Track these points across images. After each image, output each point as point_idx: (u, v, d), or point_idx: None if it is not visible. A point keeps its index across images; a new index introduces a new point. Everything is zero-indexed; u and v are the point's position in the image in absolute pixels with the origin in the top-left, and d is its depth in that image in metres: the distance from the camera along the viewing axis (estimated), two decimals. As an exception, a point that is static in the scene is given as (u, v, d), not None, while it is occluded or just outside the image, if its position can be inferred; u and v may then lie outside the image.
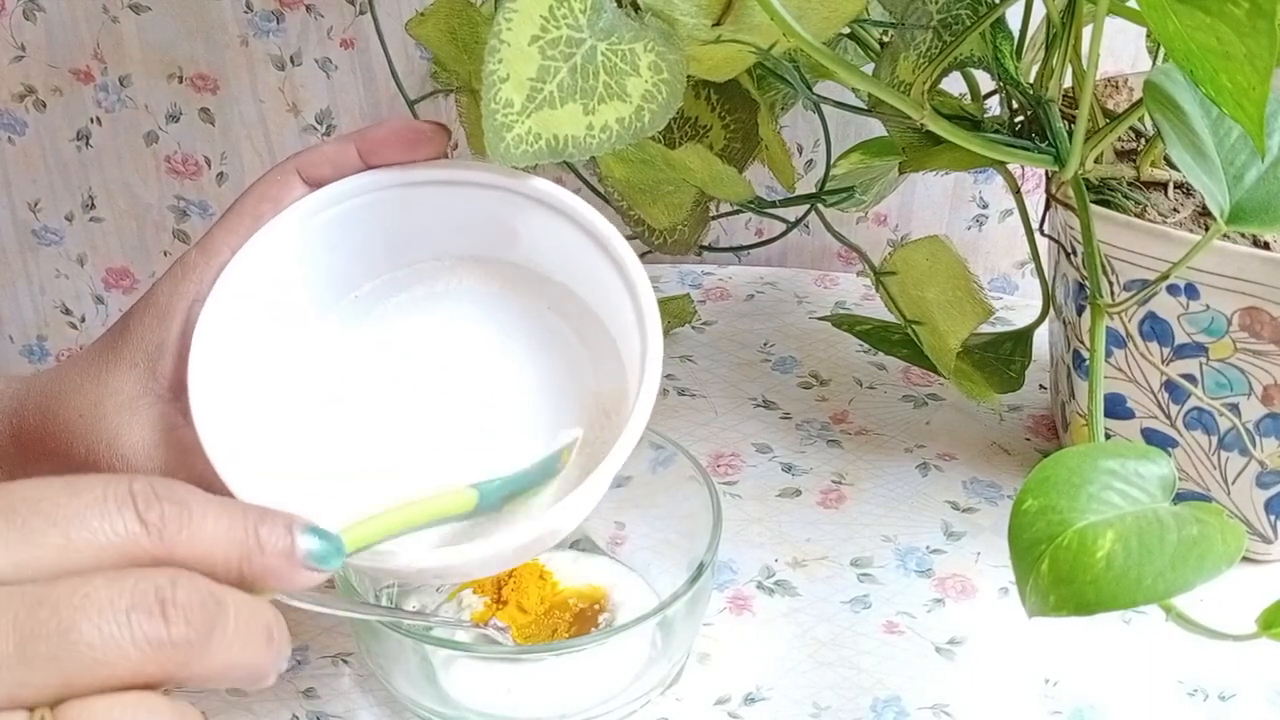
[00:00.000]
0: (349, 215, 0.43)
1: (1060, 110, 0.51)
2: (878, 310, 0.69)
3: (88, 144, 0.79)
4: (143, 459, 0.41)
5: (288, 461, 0.43)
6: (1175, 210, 0.54)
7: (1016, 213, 0.69)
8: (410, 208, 0.43)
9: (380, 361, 0.45)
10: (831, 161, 0.65)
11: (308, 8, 0.75)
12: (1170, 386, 0.53)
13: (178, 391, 0.41)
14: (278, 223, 0.42)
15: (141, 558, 0.27)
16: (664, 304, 0.74)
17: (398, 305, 0.46)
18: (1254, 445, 0.52)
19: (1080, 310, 0.56)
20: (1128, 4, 0.48)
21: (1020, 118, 0.56)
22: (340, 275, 0.45)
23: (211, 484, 0.39)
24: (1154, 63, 0.55)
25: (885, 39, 0.57)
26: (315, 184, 0.42)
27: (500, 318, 0.46)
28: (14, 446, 0.43)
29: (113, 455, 0.41)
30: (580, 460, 0.44)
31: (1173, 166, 0.54)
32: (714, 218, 0.70)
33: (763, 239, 0.83)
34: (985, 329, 0.63)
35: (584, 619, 0.50)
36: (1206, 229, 0.50)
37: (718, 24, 0.47)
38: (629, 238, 0.65)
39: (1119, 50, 0.72)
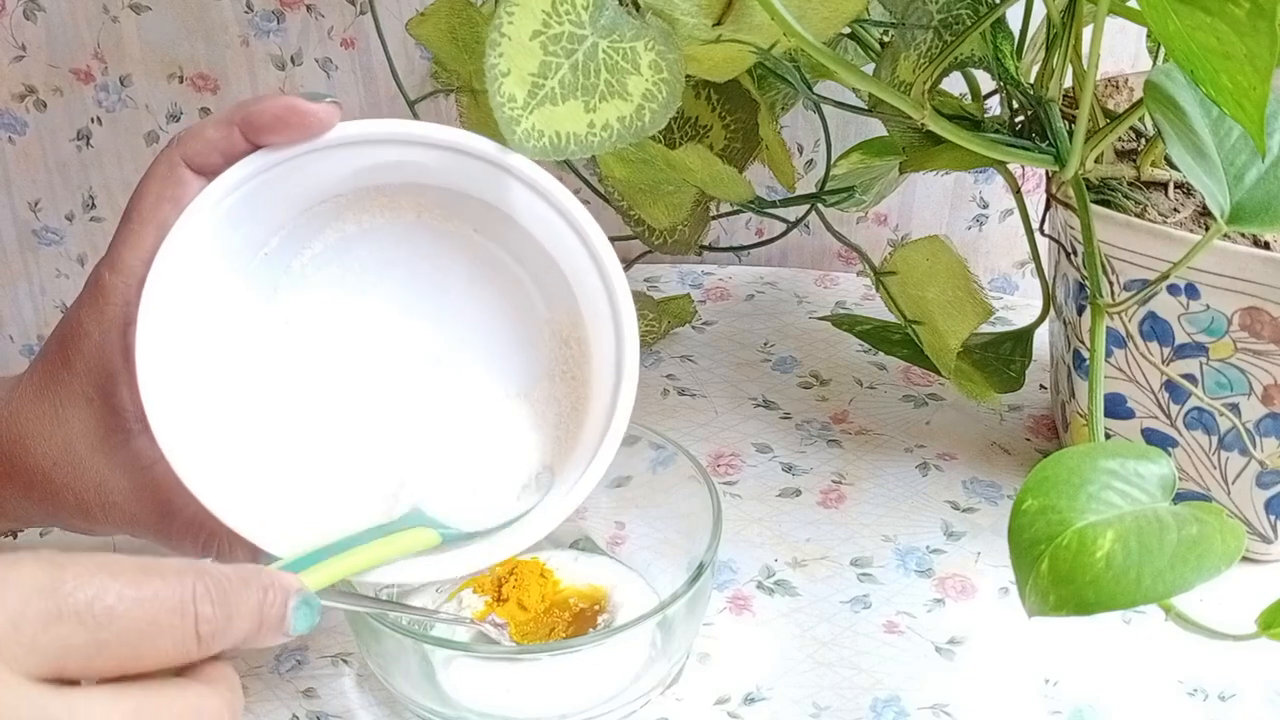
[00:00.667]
0: (253, 193, 0.41)
1: (1061, 110, 0.51)
2: (878, 310, 0.69)
3: (88, 144, 0.79)
4: (131, 504, 0.42)
5: (261, 454, 0.43)
6: (1175, 210, 0.54)
7: (1017, 212, 0.69)
8: (314, 165, 0.41)
9: (318, 326, 0.44)
10: (832, 161, 0.65)
11: (308, 8, 0.75)
12: (1170, 386, 0.53)
13: (144, 422, 0.40)
14: (184, 224, 0.39)
15: (186, 660, 0.31)
16: (664, 304, 0.74)
17: (313, 259, 0.43)
18: (1254, 445, 0.51)
19: (1080, 310, 0.56)
20: (1128, 4, 0.48)
21: (1020, 118, 0.56)
22: (251, 243, 0.43)
23: (196, 515, 0.40)
24: (1154, 63, 0.55)
25: (886, 39, 0.57)
26: (207, 173, 0.40)
27: (424, 249, 0.43)
28: None
29: (104, 502, 0.42)
30: (562, 391, 0.44)
31: (1173, 166, 0.54)
32: (714, 218, 0.70)
33: (763, 239, 0.83)
34: (985, 329, 0.63)
35: (583, 619, 0.50)
36: (1207, 229, 0.50)
37: (718, 24, 0.47)
38: (629, 238, 0.66)
39: (1119, 50, 0.72)
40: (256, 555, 0.40)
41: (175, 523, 0.42)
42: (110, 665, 0.30)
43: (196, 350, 0.41)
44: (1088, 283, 0.48)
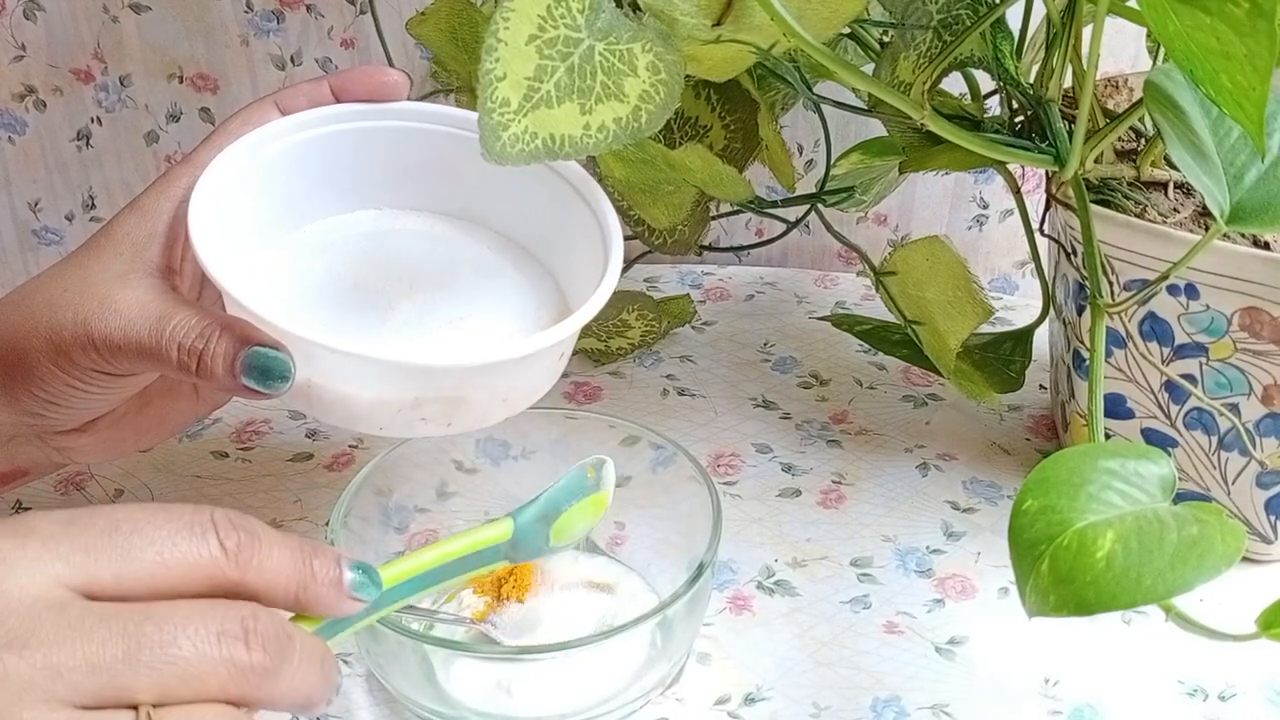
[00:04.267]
0: (318, 140, 0.47)
1: (1060, 110, 0.51)
2: (878, 310, 0.69)
3: (88, 144, 0.79)
4: (138, 312, 0.42)
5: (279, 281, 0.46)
6: (1175, 210, 0.53)
7: (1016, 213, 0.69)
8: (369, 146, 0.48)
9: (344, 254, 0.48)
10: (831, 161, 0.65)
11: (308, 8, 0.75)
12: (1170, 386, 0.53)
13: (166, 273, 0.44)
14: (263, 130, 0.46)
15: (221, 580, 0.31)
16: (664, 304, 0.73)
17: (355, 235, 0.49)
18: (1254, 445, 0.51)
19: (1080, 310, 0.56)
20: (1128, 4, 0.48)
21: (1020, 118, 0.56)
22: (298, 201, 0.48)
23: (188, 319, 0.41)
24: (1154, 63, 0.55)
25: (885, 39, 0.57)
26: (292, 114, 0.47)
27: (445, 250, 0.50)
28: None
29: (106, 312, 0.42)
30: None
31: (1173, 166, 0.54)
32: (714, 218, 0.70)
33: (763, 239, 0.83)
34: (985, 329, 0.63)
35: (584, 619, 0.50)
36: (1206, 229, 0.50)
37: (718, 24, 0.47)
38: (629, 238, 0.66)
39: (1119, 50, 0.72)
40: (234, 368, 0.40)
41: (167, 325, 0.42)
42: (140, 572, 0.30)
43: (241, 222, 0.45)
44: (1088, 283, 0.48)
